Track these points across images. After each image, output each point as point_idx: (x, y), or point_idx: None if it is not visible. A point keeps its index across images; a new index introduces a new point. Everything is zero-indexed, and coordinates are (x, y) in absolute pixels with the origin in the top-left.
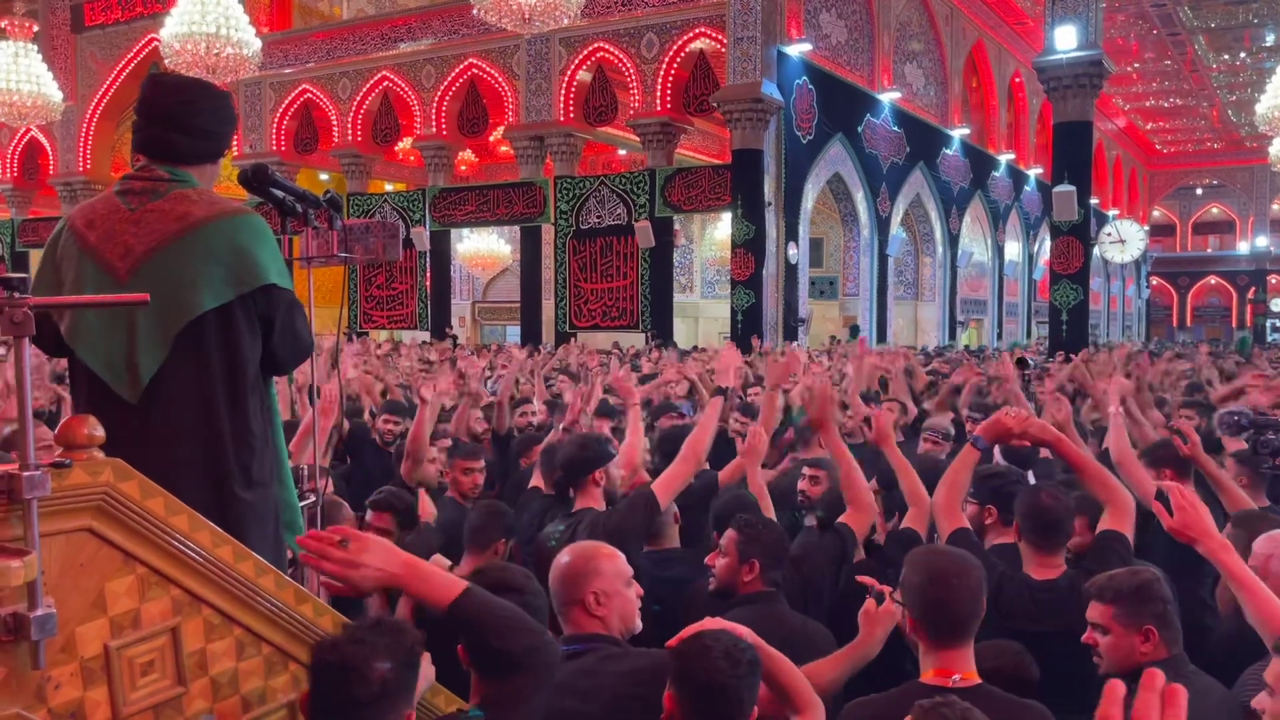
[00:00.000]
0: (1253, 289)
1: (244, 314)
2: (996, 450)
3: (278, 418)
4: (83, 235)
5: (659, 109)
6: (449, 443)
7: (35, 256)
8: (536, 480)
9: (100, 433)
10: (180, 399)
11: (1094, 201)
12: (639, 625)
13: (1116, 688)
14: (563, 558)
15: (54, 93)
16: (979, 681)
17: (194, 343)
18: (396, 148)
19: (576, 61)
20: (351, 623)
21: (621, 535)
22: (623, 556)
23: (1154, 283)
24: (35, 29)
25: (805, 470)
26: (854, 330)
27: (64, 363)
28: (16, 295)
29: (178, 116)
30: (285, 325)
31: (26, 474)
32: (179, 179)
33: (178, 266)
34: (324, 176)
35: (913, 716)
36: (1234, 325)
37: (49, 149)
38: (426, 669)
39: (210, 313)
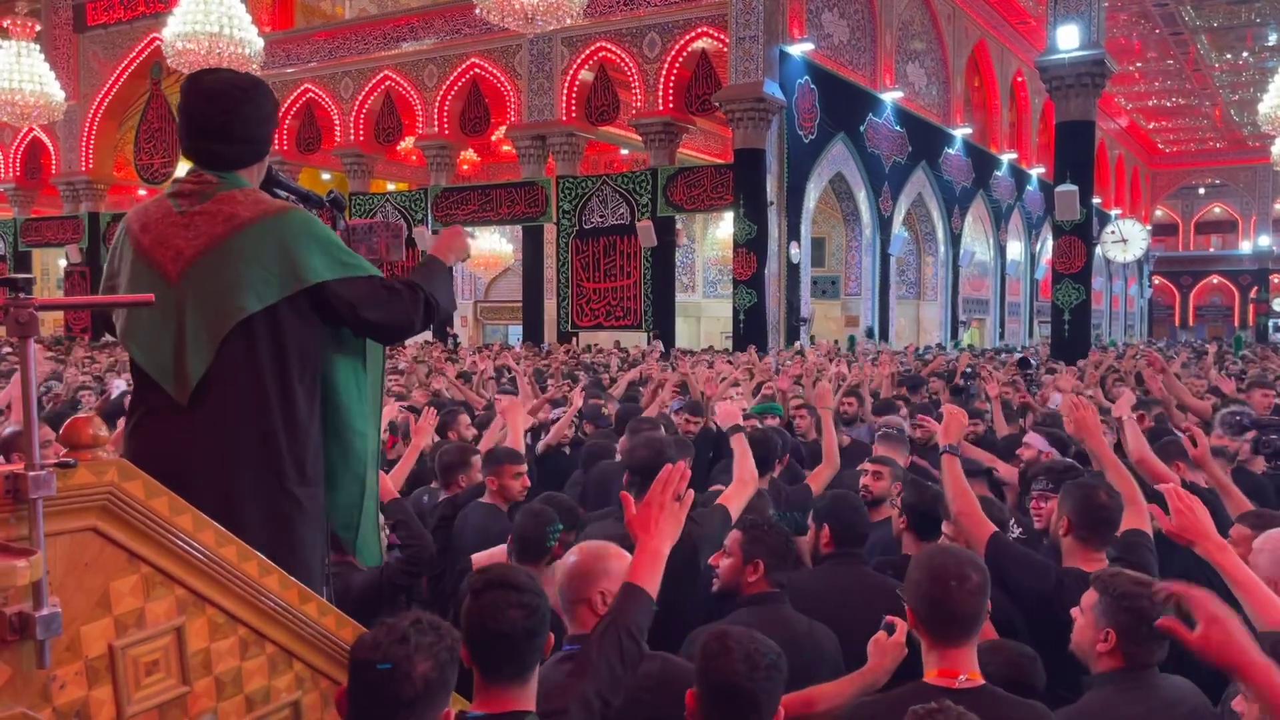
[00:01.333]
0: (1255, 288)
1: (293, 313)
2: (1037, 438)
3: (341, 418)
4: (137, 238)
5: (661, 108)
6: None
7: (38, 256)
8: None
9: (105, 433)
10: (230, 400)
11: (1096, 201)
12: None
13: None
14: (571, 556)
15: (56, 92)
16: (983, 683)
17: (244, 344)
18: (399, 147)
19: (579, 61)
20: (391, 620)
21: (701, 543)
22: (630, 558)
23: (1156, 282)
24: (38, 28)
25: (868, 465)
26: (870, 332)
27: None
28: (22, 296)
29: (217, 126)
30: (366, 310)
31: (32, 474)
32: (227, 181)
33: (224, 269)
34: (326, 176)
35: None
36: (1236, 324)
37: (51, 148)
38: None
39: (258, 314)
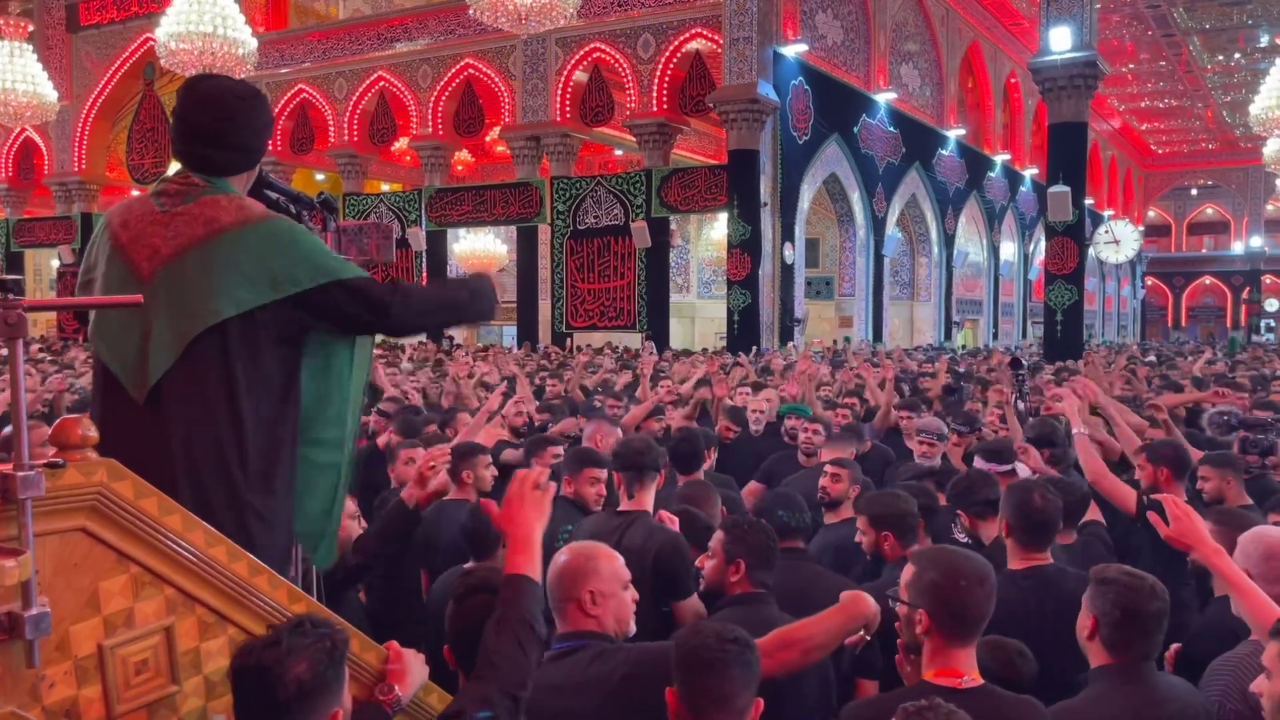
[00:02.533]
0: (1247, 289)
1: (270, 322)
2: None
3: (303, 426)
4: (116, 234)
5: (655, 109)
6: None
7: (30, 257)
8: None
9: (94, 434)
10: (191, 402)
11: (1089, 202)
12: (633, 628)
13: None
14: (561, 556)
15: (49, 92)
16: (983, 682)
17: (214, 348)
18: (393, 148)
19: (573, 62)
20: (273, 626)
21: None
22: (621, 559)
23: (1149, 283)
24: (30, 28)
25: (827, 467)
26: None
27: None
28: (10, 297)
29: (214, 132)
30: (358, 310)
31: (21, 474)
32: (214, 186)
33: (200, 272)
34: (320, 177)
35: (898, 718)
36: (1229, 325)
37: (44, 149)
38: (419, 668)
39: (232, 320)
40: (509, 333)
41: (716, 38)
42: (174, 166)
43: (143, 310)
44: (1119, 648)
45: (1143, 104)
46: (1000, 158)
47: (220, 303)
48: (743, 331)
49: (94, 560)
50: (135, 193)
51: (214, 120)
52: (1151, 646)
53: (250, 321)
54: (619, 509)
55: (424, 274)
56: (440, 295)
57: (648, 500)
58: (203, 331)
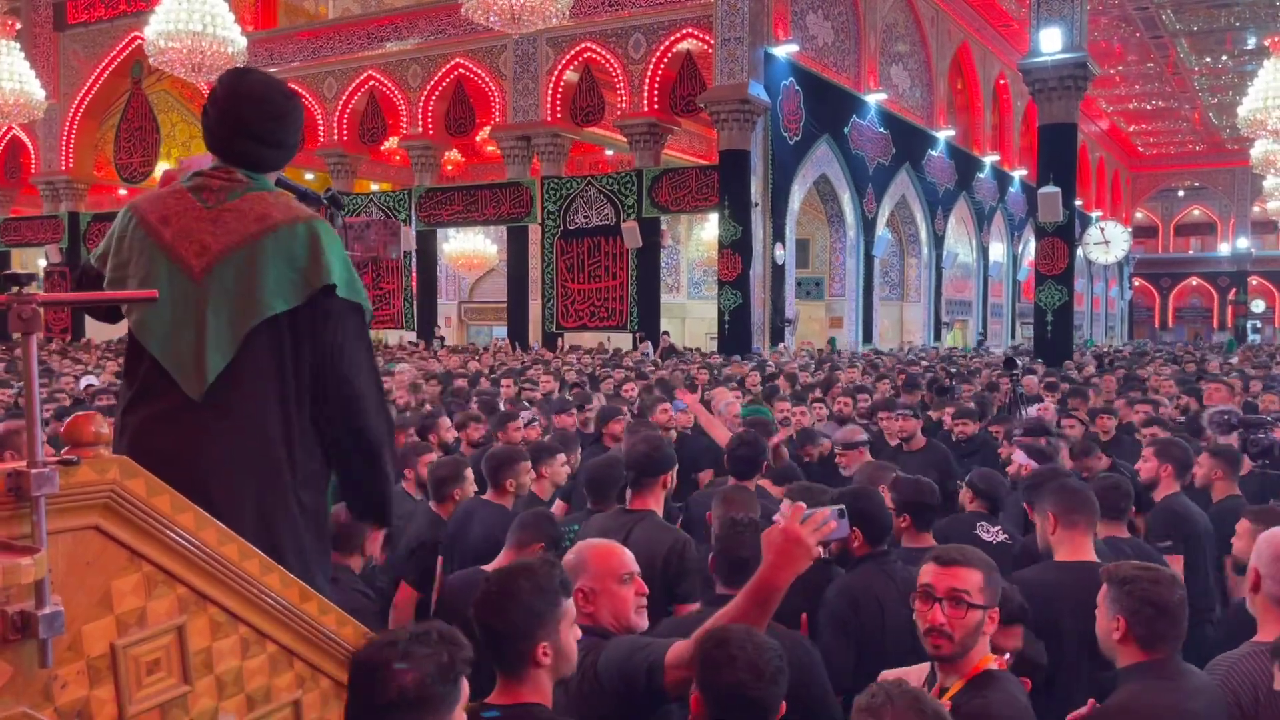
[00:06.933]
0: (1234, 290)
1: (312, 317)
2: (1020, 453)
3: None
4: (157, 231)
5: (646, 109)
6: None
7: (17, 255)
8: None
9: (107, 430)
10: (245, 397)
11: (1077, 203)
12: (638, 621)
13: None
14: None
15: (36, 91)
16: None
17: (265, 343)
18: (383, 147)
19: (564, 62)
20: (406, 628)
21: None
22: (620, 553)
23: (1136, 284)
24: (18, 27)
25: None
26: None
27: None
28: (24, 292)
29: (262, 130)
30: (332, 343)
31: (34, 471)
32: (257, 182)
33: (253, 267)
34: (310, 176)
35: (891, 707)
36: (1215, 326)
37: (31, 147)
38: None
39: (283, 315)
40: (499, 332)
41: (707, 38)
42: (162, 166)
43: (195, 307)
44: (1152, 644)
45: (1130, 105)
46: (989, 159)
47: (272, 297)
48: (733, 332)
49: (107, 559)
50: (124, 192)
51: (265, 118)
52: (1180, 637)
53: (296, 317)
54: (626, 507)
55: (414, 273)
56: (385, 485)
57: (653, 501)
58: (255, 326)
